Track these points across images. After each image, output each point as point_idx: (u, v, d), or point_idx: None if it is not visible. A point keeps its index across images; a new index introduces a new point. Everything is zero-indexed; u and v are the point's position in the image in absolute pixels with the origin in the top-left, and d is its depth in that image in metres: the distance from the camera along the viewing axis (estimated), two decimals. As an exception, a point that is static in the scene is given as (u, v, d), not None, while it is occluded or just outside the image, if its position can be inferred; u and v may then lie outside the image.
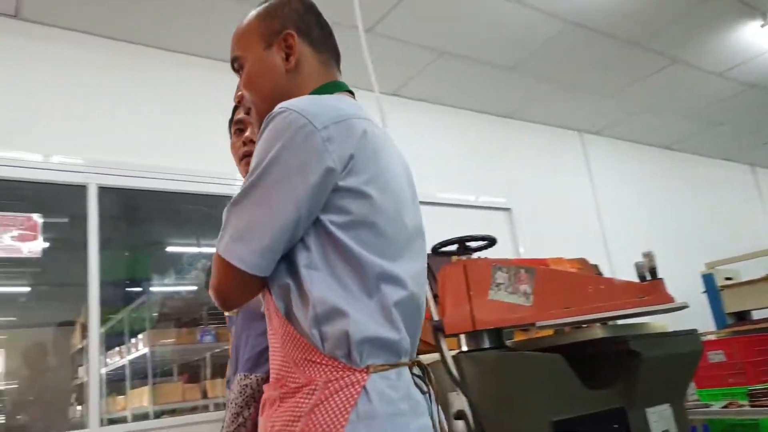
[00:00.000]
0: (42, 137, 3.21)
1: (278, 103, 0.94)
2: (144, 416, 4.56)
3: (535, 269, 2.50)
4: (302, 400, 0.86)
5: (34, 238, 3.10)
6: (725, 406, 3.43)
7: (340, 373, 0.86)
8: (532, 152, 5.62)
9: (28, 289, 5.36)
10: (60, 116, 3.30)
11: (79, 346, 3.85)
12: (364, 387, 0.84)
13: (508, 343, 2.63)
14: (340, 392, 0.85)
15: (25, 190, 3.20)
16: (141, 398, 4.73)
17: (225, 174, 3.71)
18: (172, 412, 4.49)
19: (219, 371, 4.95)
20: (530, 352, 2.41)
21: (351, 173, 0.89)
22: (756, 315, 4.94)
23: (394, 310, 0.89)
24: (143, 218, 4.41)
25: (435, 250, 2.68)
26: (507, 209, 5.13)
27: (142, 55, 3.74)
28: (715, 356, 3.87)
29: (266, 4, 1.11)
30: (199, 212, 4.05)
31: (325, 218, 0.90)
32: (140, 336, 4.91)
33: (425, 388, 0.93)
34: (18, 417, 4.18)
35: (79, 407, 3.48)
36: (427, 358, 3.07)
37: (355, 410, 0.83)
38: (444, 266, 2.57)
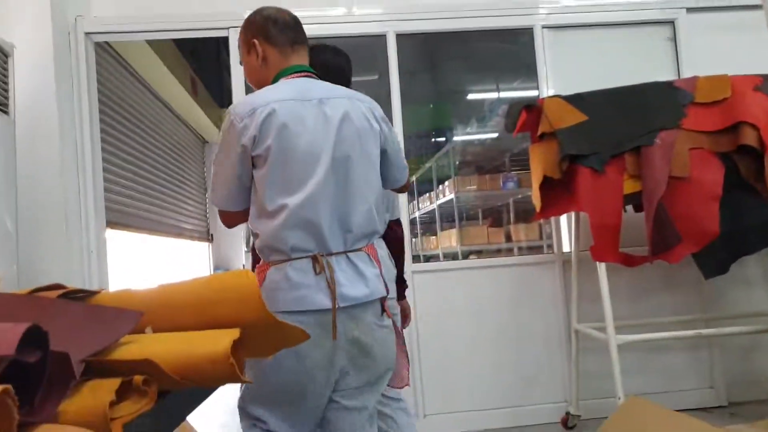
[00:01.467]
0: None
1: (263, 86, 1.57)
2: (453, 255, 4.94)
3: None
4: None
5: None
6: None
7: (260, 264, 1.50)
8: None
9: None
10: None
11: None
12: (266, 273, 1.46)
13: None
14: (258, 275, 1.47)
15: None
16: (450, 239, 5.12)
17: (523, 3, 3.38)
18: (479, 253, 4.75)
19: (522, 216, 4.98)
20: None
21: (256, 146, 1.44)
22: None
23: (280, 230, 1.44)
24: (442, 67, 4.40)
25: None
26: None
27: None
28: None
29: (242, 24, 1.64)
30: (496, 51, 3.82)
31: (254, 172, 1.47)
32: (446, 183, 5.20)
33: (317, 272, 1.44)
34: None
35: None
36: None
37: (261, 286, 1.42)
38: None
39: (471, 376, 3.19)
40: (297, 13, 1.69)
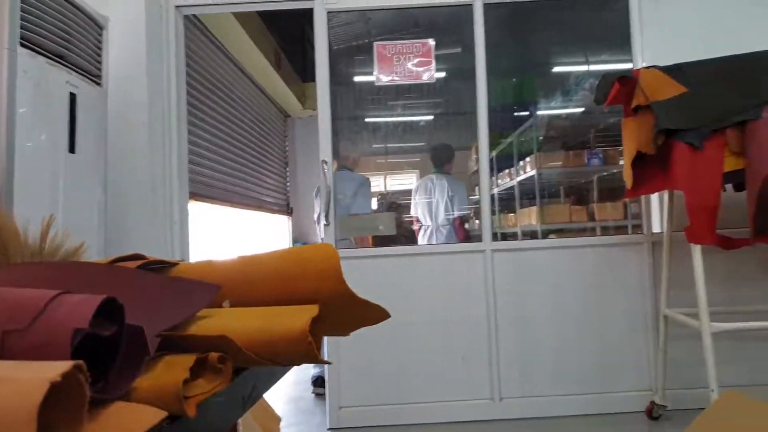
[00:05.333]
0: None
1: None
2: (532, 233, 4.80)
3: None
4: None
5: (430, 63, 3.24)
6: None
7: None
8: None
9: (430, 117, 5.97)
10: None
11: (475, 168, 4.12)
12: None
13: None
14: None
15: (418, 17, 3.32)
16: (530, 217, 4.97)
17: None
18: (559, 232, 4.59)
19: (606, 194, 4.75)
20: None
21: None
22: None
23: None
24: (528, 38, 4.21)
25: None
26: None
27: None
28: None
29: None
30: (587, 21, 3.60)
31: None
32: (528, 159, 5.03)
33: None
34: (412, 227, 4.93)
35: (477, 221, 3.81)
36: None
37: None
38: None
39: (551, 359, 3.10)
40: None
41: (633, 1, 3.16)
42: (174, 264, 0.90)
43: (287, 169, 7.31)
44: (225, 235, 5.05)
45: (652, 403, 2.93)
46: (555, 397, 3.07)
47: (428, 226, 4.55)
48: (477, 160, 3.80)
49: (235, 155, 4.94)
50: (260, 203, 5.99)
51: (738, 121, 2.37)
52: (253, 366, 0.76)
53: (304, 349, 0.72)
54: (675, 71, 2.51)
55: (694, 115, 2.42)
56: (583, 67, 4.76)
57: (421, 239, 4.64)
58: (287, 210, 7.31)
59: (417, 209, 4.63)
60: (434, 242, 4.44)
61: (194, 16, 3.54)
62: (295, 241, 7.45)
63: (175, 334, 0.68)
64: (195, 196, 3.63)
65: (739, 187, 2.74)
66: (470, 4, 3.21)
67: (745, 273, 3.03)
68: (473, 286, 3.13)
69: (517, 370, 3.10)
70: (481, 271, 3.14)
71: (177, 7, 3.19)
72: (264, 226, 6.53)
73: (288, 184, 7.32)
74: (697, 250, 2.45)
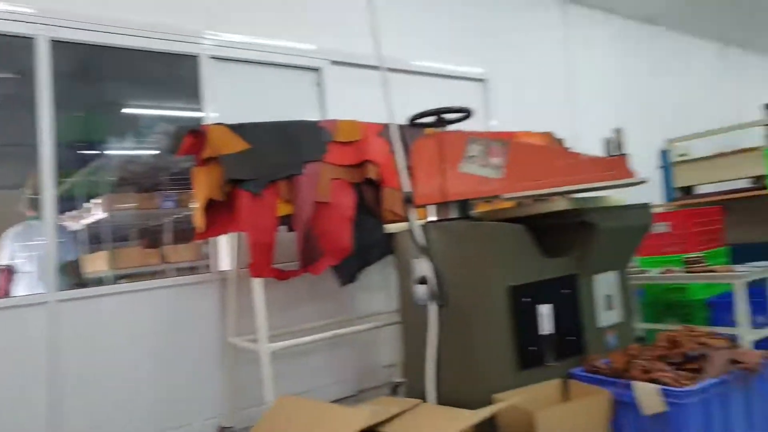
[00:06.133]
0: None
1: None
2: (100, 280, 4.56)
3: (508, 142, 2.50)
4: None
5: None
6: (663, 273, 3.68)
7: None
8: (512, 21, 5.46)
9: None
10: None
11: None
12: None
13: (471, 213, 2.67)
14: None
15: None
16: (99, 263, 4.71)
17: (189, 31, 3.48)
18: (131, 277, 4.52)
19: (180, 236, 4.94)
20: (496, 222, 2.47)
21: None
22: (701, 190, 5.30)
23: None
24: (100, 77, 4.14)
25: (412, 121, 2.62)
26: (482, 80, 5.04)
27: None
28: (660, 227, 4.03)
29: None
30: (160, 71, 3.80)
31: None
32: (98, 200, 4.80)
33: None
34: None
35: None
36: (394, 227, 3.15)
37: None
38: (419, 139, 2.53)
39: (126, 408, 3.07)
40: None
41: (203, 63, 3.52)
42: None
43: None
44: None
45: (220, 426, 3.24)
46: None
47: (31, 272, 4.04)
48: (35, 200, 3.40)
49: None
50: None
51: (287, 175, 2.95)
52: None
53: None
54: (239, 129, 2.93)
55: (255, 167, 2.88)
56: (159, 112, 4.92)
57: (23, 288, 4.04)
58: None
59: (13, 256, 4.19)
60: (40, 290, 3.56)
61: None
62: None
63: None
64: None
65: (291, 228, 3.36)
66: (32, 38, 3.01)
67: (299, 299, 3.64)
68: (31, 346, 2.84)
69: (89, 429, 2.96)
70: (43, 326, 2.88)
71: None
72: None
73: None
74: (258, 283, 2.86)
